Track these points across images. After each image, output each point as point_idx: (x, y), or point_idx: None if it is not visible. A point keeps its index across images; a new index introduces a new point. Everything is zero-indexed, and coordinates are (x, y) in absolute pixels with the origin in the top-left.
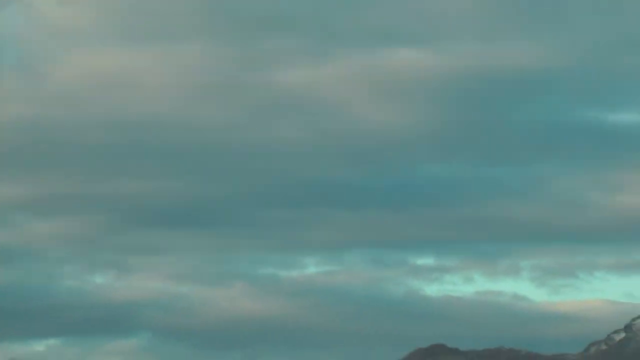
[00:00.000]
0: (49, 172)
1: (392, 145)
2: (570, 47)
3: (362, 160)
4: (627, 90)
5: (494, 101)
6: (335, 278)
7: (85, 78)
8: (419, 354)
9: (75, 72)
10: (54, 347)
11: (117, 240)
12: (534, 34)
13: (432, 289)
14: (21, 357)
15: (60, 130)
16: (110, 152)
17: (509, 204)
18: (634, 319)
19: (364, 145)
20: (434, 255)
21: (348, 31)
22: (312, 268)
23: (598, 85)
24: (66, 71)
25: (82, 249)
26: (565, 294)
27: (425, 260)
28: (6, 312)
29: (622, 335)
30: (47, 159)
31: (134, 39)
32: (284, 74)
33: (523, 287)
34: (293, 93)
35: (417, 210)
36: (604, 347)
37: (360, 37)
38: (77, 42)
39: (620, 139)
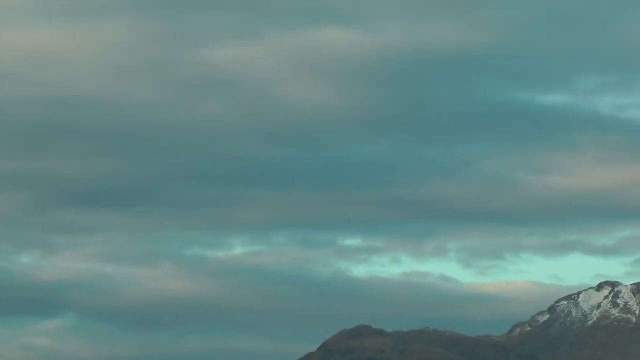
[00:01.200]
0: None
1: (320, 126)
2: (499, 28)
3: (290, 140)
4: (556, 71)
5: (423, 81)
6: (262, 259)
7: (11, 55)
8: (344, 335)
9: (1, 49)
10: None
11: (43, 219)
12: (464, 14)
13: (360, 270)
14: None
15: None
16: (35, 129)
17: (437, 185)
18: (558, 301)
19: (292, 125)
20: (362, 236)
21: (277, 10)
22: (239, 248)
23: (527, 66)
24: None
25: (7, 228)
26: (492, 276)
27: (353, 241)
28: None
29: (547, 317)
30: None
31: (60, 16)
32: (213, 53)
33: (450, 269)
34: (221, 72)
35: (345, 191)
36: (528, 328)
37: (290, 16)
38: (2, 20)
39: (548, 121)
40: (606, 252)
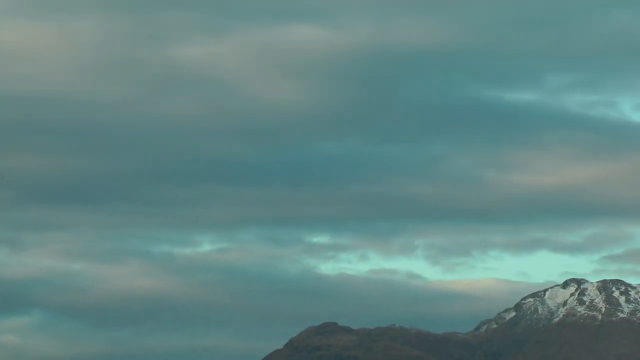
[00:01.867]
0: None
1: (287, 123)
2: (467, 25)
3: (257, 137)
4: (525, 69)
5: (390, 79)
6: (230, 256)
7: None
8: (311, 332)
9: None
10: None
11: (10, 216)
12: (432, 12)
13: (327, 267)
14: None
15: None
16: (3, 126)
17: (405, 182)
18: (524, 298)
19: (259, 122)
20: (329, 233)
21: (245, 8)
22: (206, 246)
23: (495, 64)
24: None
25: None
26: (459, 273)
27: (321, 239)
28: None
29: (513, 314)
30: None
31: (29, 13)
32: (180, 50)
33: (417, 266)
34: (189, 69)
35: (313, 188)
36: (494, 325)
37: (257, 13)
38: None
39: (516, 118)
40: (573, 249)
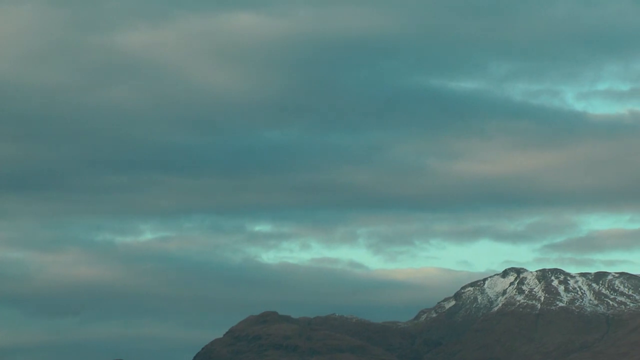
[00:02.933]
0: None
1: (230, 111)
2: (410, 14)
3: (199, 125)
4: (468, 58)
5: (332, 67)
6: (172, 244)
7: None
8: (251, 321)
9: None
10: None
11: None
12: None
13: (269, 256)
14: None
15: None
16: None
17: (347, 171)
18: (463, 287)
19: (201, 110)
20: (271, 222)
21: None
22: (148, 234)
23: (438, 52)
24: None
25: None
26: (401, 262)
27: (262, 227)
28: None
29: (452, 303)
30: None
31: None
32: (122, 37)
33: (359, 255)
34: (130, 56)
35: (255, 176)
36: (433, 314)
37: (199, 1)
38: None
39: (458, 106)
40: (515, 238)
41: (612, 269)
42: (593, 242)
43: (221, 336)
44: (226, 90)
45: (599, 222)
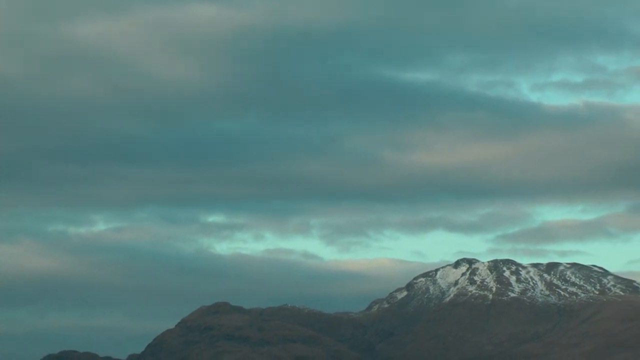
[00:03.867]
0: None
1: (184, 102)
2: (365, 5)
3: (153, 116)
4: (422, 49)
5: (288, 58)
6: (124, 235)
7: None
8: (203, 312)
9: None
10: None
11: None
12: None
13: (222, 247)
14: None
15: None
16: None
17: (301, 161)
18: (415, 278)
19: (156, 100)
20: (225, 212)
21: None
22: (101, 225)
23: (393, 43)
24: None
25: None
26: (355, 253)
27: (216, 218)
28: None
29: (404, 293)
30: None
31: None
32: (78, 27)
33: (313, 245)
34: (85, 46)
35: (208, 167)
36: (386, 305)
37: None
38: None
39: (414, 98)
40: (468, 229)
41: (565, 260)
42: (546, 233)
43: (173, 327)
44: (181, 81)
45: (552, 213)
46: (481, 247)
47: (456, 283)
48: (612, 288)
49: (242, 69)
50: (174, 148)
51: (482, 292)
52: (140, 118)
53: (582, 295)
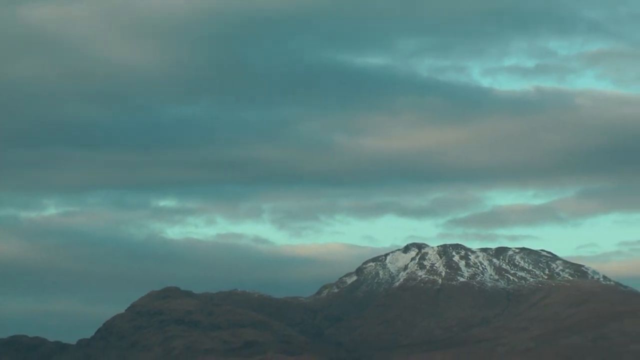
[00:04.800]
0: None
1: (137, 86)
2: None
3: (106, 100)
4: (375, 34)
5: (241, 43)
6: (76, 220)
7: None
8: (152, 297)
9: None
10: None
11: None
12: None
13: (174, 232)
14: None
15: None
16: None
17: (253, 146)
18: (365, 263)
19: (108, 84)
20: (177, 197)
21: None
22: (52, 209)
23: (345, 28)
24: None
25: None
26: (306, 237)
27: (168, 202)
28: None
29: (354, 278)
30: None
31: None
32: (30, 11)
33: (264, 230)
34: (39, 30)
35: (161, 151)
36: (335, 290)
37: None
38: None
39: (366, 82)
40: (419, 213)
41: (515, 244)
42: (497, 218)
43: (123, 311)
44: (135, 65)
45: (503, 198)
46: (432, 232)
47: (406, 268)
48: (560, 273)
49: (195, 54)
50: (126, 132)
51: (431, 277)
52: (93, 102)
53: (531, 279)
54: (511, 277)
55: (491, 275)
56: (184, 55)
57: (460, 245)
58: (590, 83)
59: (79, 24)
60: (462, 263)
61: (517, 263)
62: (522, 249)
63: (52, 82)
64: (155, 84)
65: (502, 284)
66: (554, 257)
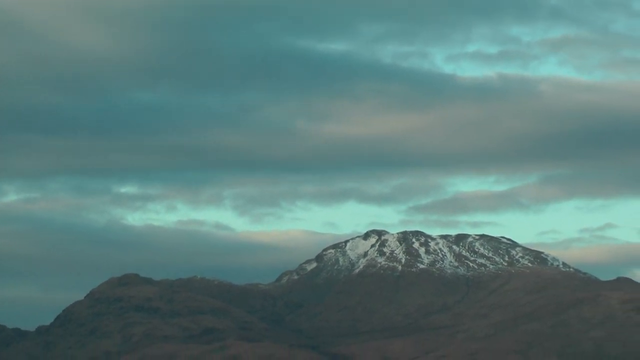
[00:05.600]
0: None
1: (98, 71)
2: None
3: (66, 85)
4: (338, 19)
5: (203, 27)
6: (36, 206)
7: None
8: (112, 284)
9: None
10: None
11: None
12: None
13: (135, 218)
14: None
15: None
16: None
17: (215, 132)
18: (325, 249)
19: (69, 70)
20: (137, 183)
21: None
22: (12, 195)
23: (307, 14)
24: None
25: None
26: (267, 224)
27: (129, 189)
28: None
29: (314, 265)
30: None
31: None
32: None
33: (225, 216)
34: None
35: (122, 137)
36: (295, 276)
37: None
38: None
39: (327, 68)
40: (381, 200)
41: (477, 231)
42: (459, 204)
43: (82, 298)
44: (96, 50)
45: (465, 184)
46: (394, 218)
47: (365, 254)
48: (520, 260)
49: (156, 39)
50: (87, 118)
51: (391, 264)
52: (53, 87)
53: (491, 266)
54: (471, 264)
55: (451, 262)
56: (145, 40)
57: (420, 232)
58: (552, 69)
59: (39, 9)
60: (422, 250)
61: (477, 250)
62: (482, 236)
63: (11, 67)
64: (116, 69)
65: (461, 270)
66: (514, 244)
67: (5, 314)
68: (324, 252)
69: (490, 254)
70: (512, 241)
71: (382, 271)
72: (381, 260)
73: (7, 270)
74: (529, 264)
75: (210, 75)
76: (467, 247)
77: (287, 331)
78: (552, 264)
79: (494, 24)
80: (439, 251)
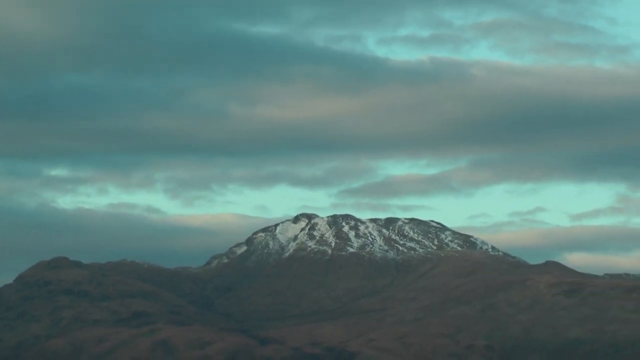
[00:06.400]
0: None
1: (28, 54)
2: None
3: None
4: (269, 3)
5: (135, 11)
6: None
7: None
8: (41, 267)
9: None
10: None
11: None
12: None
13: (66, 201)
14: None
15: None
16: None
17: (146, 115)
18: (255, 233)
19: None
20: (68, 166)
21: None
22: None
23: None
24: None
25: None
26: (199, 207)
27: (59, 172)
28: None
29: (244, 248)
30: None
31: None
32: None
33: (157, 200)
34: None
35: (52, 120)
36: (225, 260)
37: None
38: None
39: (260, 52)
40: (312, 183)
41: (408, 215)
42: (390, 187)
43: (11, 282)
44: (27, 32)
45: (396, 167)
46: (325, 202)
47: (295, 238)
48: (449, 243)
49: (88, 21)
50: (17, 101)
51: (321, 247)
52: None
53: (420, 250)
54: (400, 248)
55: (380, 245)
56: (77, 22)
57: (350, 215)
58: (484, 53)
59: None
60: (351, 233)
61: (407, 234)
62: (412, 220)
63: None
64: (47, 51)
65: (391, 254)
66: (443, 228)
67: None
68: (254, 236)
69: (419, 238)
70: (441, 225)
71: (312, 255)
72: (311, 244)
73: None
74: (458, 248)
75: (142, 59)
76: (396, 231)
77: (217, 315)
78: (481, 248)
79: (426, 8)
80: (368, 235)
